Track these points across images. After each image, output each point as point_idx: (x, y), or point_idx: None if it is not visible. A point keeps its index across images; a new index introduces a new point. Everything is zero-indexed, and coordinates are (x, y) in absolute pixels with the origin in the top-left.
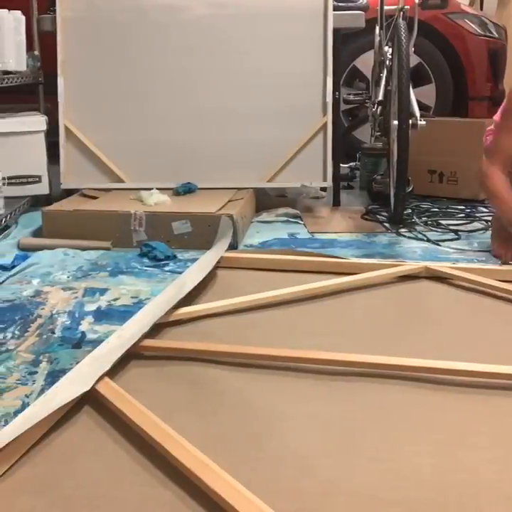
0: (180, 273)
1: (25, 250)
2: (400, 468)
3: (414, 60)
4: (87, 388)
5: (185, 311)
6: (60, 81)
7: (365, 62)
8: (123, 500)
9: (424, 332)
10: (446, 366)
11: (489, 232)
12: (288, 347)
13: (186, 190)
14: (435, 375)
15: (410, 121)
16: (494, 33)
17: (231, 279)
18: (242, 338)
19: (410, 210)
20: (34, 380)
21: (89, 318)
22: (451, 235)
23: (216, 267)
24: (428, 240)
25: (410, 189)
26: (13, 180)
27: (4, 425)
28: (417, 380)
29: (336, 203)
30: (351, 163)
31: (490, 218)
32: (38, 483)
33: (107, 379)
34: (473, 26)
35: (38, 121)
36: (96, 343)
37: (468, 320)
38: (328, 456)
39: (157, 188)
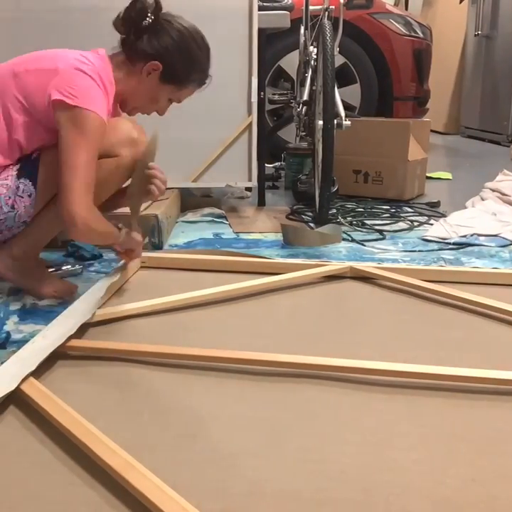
0: (105, 273)
1: None
2: (326, 469)
3: (339, 60)
4: (12, 388)
5: (111, 311)
6: None
7: (290, 62)
8: (48, 500)
9: (349, 332)
10: (370, 366)
11: (414, 232)
12: (213, 347)
13: None
14: (360, 375)
15: (335, 121)
16: (419, 32)
17: (156, 279)
18: (167, 338)
19: (335, 210)
20: None
21: (14, 318)
22: (376, 235)
23: (141, 266)
24: (353, 240)
25: (335, 189)
26: None
27: None
28: (342, 380)
29: (261, 202)
30: (276, 163)
31: (414, 218)
32: None
33: (32, 379)
34: (398, 26)
35: None
36: (21, 343)
37: (392, 320)
38: (254, 457)
39: None
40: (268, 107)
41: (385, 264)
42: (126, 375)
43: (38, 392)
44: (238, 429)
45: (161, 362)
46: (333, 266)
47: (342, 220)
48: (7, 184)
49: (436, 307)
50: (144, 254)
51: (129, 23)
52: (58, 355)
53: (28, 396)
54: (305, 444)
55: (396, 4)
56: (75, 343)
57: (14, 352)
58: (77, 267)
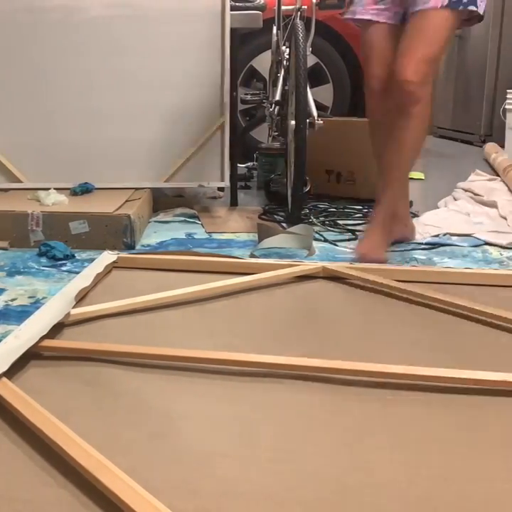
0: (77, 273)
1: None
2: (299, 469)
3: (311, 60)
4: None
5: (82, 310)
6: None
7: (262, 62)
8: (21, 500)
9: (321, 332)
10: (343, 366)
11: None
12: (186, 347)
13: (84, 190)
14: (332, 375)
15: (308, 121)
16: None
17: (129, 279)
18: (139, 338)
19: (308, 210)
20: None
21: None
22: (349, 235)
23: (113, 267)
24: (325, 240)
25: (307, 189)
26: None
27: None
28: (314, 379)
29: (234, 203)
30: (249, 164)
31: None
32: None
33: (4, 379)
34: None
35: None
36: None
37: (365, 319)
38: (226, 457)
39: (55, 188)
40: (240, 107)
41: (358, 264)
42: (99, 375)
43: (10, 392)
44: (210, 429)
45: (134, 362)
46: (306, 266)
47: (314, 219)
48: None
49: (408, 307)
50: (117, 254)
51: None
52: (31, 356)
53: (0, 396)
54: (277, 444)
55: None
56: (48, 343)
57: None
58: None
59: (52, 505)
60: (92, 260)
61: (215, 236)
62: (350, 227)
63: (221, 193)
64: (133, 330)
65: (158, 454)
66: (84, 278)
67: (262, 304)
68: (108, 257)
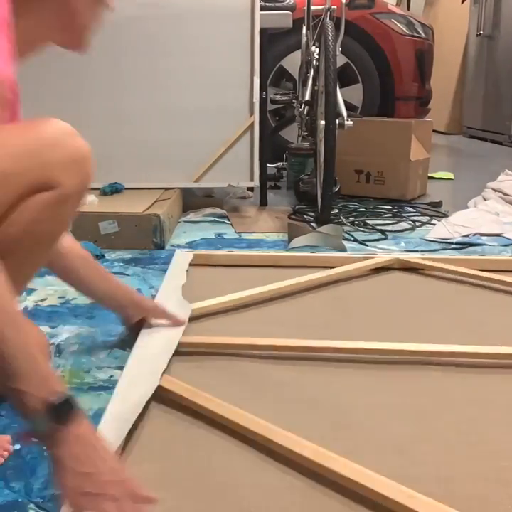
0: None
1: None
2: (500, 450)
3: (341, 60)
4: (157, 384)
5: (200, 306)
6: None
7: (292, 62)
8: (246, 486)
9: (429, 319)
10: (486, 351)
11: (416, 232)
12: (306, 338)
13: (113, 190)
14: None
15: (337, 121)
16: (421, 33)
17: (209, 276)
18: (263, 332)
19: (337, 210)
20: None
21: None
22: (378, 235)
23: (190, 264)
24: (355, 240)
25: (337, 189)
26: None
27: None
28: (466, 365)
29: (263, 203)
30: (278, 163)
31: (416, 218)
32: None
33: (166, 376)
34: (400, 26)
35: None
36: None
37: (459, 306)
38: (422, 442)
39: None
40: (270, 107)
41: (430, 255)
42: (240, 368)
43: (177, 386)
44: (387, 417)
45: (277, 355)
46: (379, 258)
47: (344, 220)
48: None
49: (493, 294)
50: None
51: None
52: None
53: (170, 391)
54: (461, 427)
55: (398, 4)
56: (183, 339)
57: None
58: None
59: (280, 489)
60: (121, 260)
61: (244, 236)
62: (379, 227)
63: (251, 193)
64: (252, 324)
65: (355, 443)
66: (176, 277)
67: (356, 295)
68: (184, 254)
